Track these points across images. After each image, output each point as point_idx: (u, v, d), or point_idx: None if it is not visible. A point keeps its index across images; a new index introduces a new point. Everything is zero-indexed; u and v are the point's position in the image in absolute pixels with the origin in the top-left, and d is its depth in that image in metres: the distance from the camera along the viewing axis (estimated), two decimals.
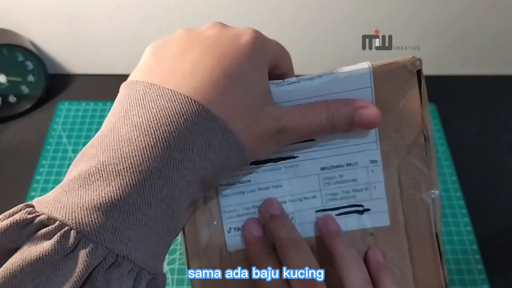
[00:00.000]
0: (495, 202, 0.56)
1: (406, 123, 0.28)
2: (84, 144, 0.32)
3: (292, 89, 0.27)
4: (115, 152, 0.21)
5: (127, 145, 0.21)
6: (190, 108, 0.22)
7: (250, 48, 0.24)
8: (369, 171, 0.29)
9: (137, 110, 0.22)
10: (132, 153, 0.21)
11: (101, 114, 0.64)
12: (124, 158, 0.21)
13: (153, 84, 0.23)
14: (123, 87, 0.24)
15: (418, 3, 0.58)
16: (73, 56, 0.66)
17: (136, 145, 0.21)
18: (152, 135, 0.21)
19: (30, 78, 0.63)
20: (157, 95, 0.22)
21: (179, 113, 0.21)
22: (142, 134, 0.21)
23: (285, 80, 0.27)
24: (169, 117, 0.21)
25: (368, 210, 0.29)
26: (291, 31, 0.62)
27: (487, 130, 0.62)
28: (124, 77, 0.25)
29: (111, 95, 0.26)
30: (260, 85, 0.25)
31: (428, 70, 0.70)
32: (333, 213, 0.29)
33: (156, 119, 0.21)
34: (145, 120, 0.21)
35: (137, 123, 0.21)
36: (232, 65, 0.23)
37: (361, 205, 0.30)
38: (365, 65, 0.27)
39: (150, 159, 0.21)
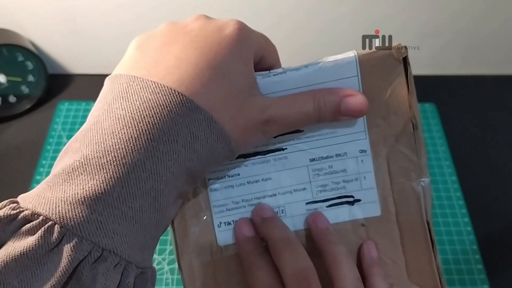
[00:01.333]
0: (495, 202, 0.56)
1: (394, 112, 0.28)
2: None
3: (278, 79, 0.27)
4: (98, 146, 0.21)
5: (111, 138, 0.21)
6: (174, 99, 0.21)
7: (234, 39, 0.24)
8: (358, 161, 0.29)
9: (121, 103, 0.22)
10: (115, 146, 0.20)
11: None
12: (108, 151, 0.20)
13: (137, 77, 0.22)
14: (107, 81, 0.24)
15: (418, 3, 0.58)
16: (73, 56, 0.66)
17: (120, 138, 0.21)
18: (135, 127, 0.21)
19: (30, 78, 0.63)
20: (140, 88, 0.22)
21: (163, 105, 0.21)
22: (126, 126, 0.21)
23: (271, 71, 0.27)
24: (153, 109, 0.21)
25: (358, 200, 0.29)
26: (290, 31, 0.62)
27: (487, 130, 0.62)
28: None
29: None
30: (245, 76, 0.24)
31: (428, 70, 0.70)
32: (324, 204, 0.29)
33: (139, 111, 0.21)
34: (128, 112, 0.21)
35: (121, 116, 0.21)
36: (216, 56, 0.23)
37: (351, 196, 0.29)
38: (351, 54, 0.27)
39: (134, 151, 0.20)
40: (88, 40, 0.63)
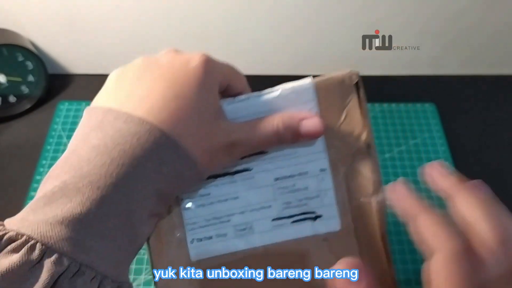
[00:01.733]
0: None
1: (349, 133, 0.31)
2: None
3: (242, 105, 0.29)
4: (76, 172, 0.23)
5: (86, 165, 0.23)
6: (143, 128, 0.24)
7: (199, 71, 0.27)
8: (319, 179, 0.31)
9: (96, 133, 0.24)
10: (91, 171, 0.23)
11: None
12: (84, 177, 0.23)
13: (111, 109, 0.25)
14: (85, 113, 0.27)
15: (418, 3, 0.58)
16: (73, 56, 0.66)
17: (94, 164, 0.23)
18: (108, 154, 0.23)
19: (30, 78, 0.63)
20: (114, 118, 0.25)
21: (133, 133, 0.24)
22: (100, 154, 0.23)
23: (236, 97, 0.30)
24: (125, 137, 0.24)
25: (320, 216, 0.31)
26: (290, 31, 0.62)
27: (487, 130, 0.62)
28: None
29: None
30: (210, 104, 0.27)
31: (428, 70, 0.70)
32: (289, 221, 0.31)
33: (112, 140, 0.24)
34: (102, 141, 0.24)
35: (96, 145, 0.24)
36: (182, 87, 0.26)
37: (313, 212, 0.31)
38: (307, 80, 0.30)
39: (107, 176, 0.23)
40: (88, 40, 0.63)
